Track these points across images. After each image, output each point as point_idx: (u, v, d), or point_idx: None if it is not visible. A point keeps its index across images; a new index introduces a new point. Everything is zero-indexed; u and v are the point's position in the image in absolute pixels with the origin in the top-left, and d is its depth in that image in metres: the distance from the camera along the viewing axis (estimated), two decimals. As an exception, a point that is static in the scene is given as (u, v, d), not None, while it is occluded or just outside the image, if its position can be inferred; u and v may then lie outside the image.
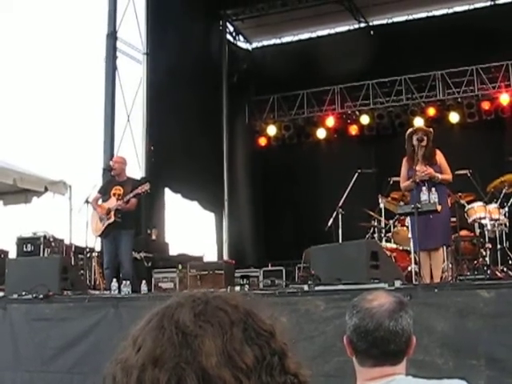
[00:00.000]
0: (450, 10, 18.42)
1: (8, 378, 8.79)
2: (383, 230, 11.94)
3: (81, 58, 17.05)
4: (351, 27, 19.70)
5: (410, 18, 18.98)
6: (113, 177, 11.47)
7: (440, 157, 9.51)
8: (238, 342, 1.25)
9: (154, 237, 15.09)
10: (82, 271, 12.17)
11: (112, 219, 10.85)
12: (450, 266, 10.10)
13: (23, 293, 9.10)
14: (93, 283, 12.40)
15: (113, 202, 10.96)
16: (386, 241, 11.61)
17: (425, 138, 9.40)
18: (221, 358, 1.22)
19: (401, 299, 2.77)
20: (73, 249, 13.12)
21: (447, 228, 9.44)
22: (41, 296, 8.91)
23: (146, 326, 1.31)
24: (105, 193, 11.25)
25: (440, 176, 9.26)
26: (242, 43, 21.06)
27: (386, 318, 2.64)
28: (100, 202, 11.24)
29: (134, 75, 16.29)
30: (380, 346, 2.64)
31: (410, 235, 9.78)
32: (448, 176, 9.44)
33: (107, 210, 10.91)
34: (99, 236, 11.31)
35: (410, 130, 9.87)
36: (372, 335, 2.64)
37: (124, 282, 9.88)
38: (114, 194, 11.07)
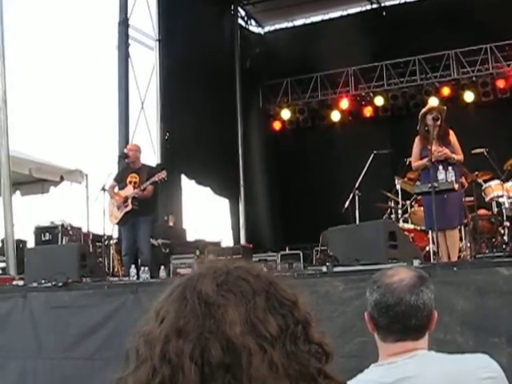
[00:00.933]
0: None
1: (30, 366, 8.84)
2: (400, 211, 11.90)
3: (93, 46, 17.02)
4: (363, 8, 19.60)
5: (423, -3, 18.84)
6: (128, 164, 11.48)
7: (453, 137, 9.44)
8: (262, 311, 1.25)
9: (171, 223, 15.12)
10: (100, 259, 12.21)
11: (129, 207, 10.86)
12: (469, 245, 10.06)
13: (42, 281, 9.13)
14: (111, 270, 12.44)
15: (129, 190, 10.97)
16: (404, 221, 11.57)
17: (439, 117, 9.34)
18: (244, 327, 1.22)
19: (421, 274, 2.75)
20: (90, 237, 13.17)
21: (461, 207, 9.38)
22: (60, 284, 8.93)
23: (168, 297, 1.30)
24: (120, 180, 11.26)
25: (456, 157, 9.20)
26: (253, 27, 21.03)
27: (406, 293, 2.63)
28: (116, 189, 11.26)
29: (146, 62, 16.32)
30: (401, 320, 2.63)
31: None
32: (461, 156, 9.38)
33: (124, 198, 10.92)
34: (117, 224, 11.34)
35: (424, 109, 9.80)
36: (393, 310, 2.63)
37: (142, 268, 9.91)
38: (130, 182, 11.08)
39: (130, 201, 10.85)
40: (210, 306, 1.24)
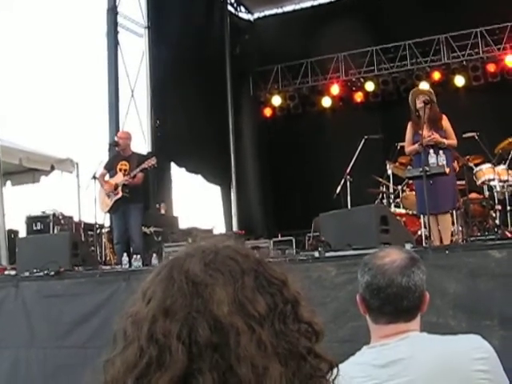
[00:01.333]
0: (453, -28, 18.20)
1: (22, 355, 8.83)
2: (392, 196, 11.92)
3: (82, 34, 16.98)
4: (353, -7, 19.51)
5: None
6: (118, 152, 11.45)
7: (446, 122, 9.44)
8: (250, 290, 1.24)
9: (162, 211, 15.11)
10: (92, 247, 12.20)
11: (120, 195, 10.85)
12: (460, 228, 10.08)
13: (34, 270, 9.12)
14: (103, 259, 12.43)
15: (120, 178, 10.95)
16: (395, 206, 11.58)
17: (429, 100, 9.33)
18: (232, 306, 1.21)
19: (413, 255, 2.74)
20: (82, 225, 13.14)
21: (453, 192, 9.39)
22: (52, 273, 8.92)
23: (156, 277, 1.29)
24: (110, 168, 11.24)
25: (446, 141, 9.20)
26: (243, 14, 20.92)
27: (397, 274, 2.62)
28: (107, 177, 11.23)
29: (136, 50, 16.24)
30: (393, 302, 2.62)
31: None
32: (453, 141, 9.38)
33: (114, 185, 10.90)
34: (108, 212, 11.32)
35: (412, 92, 9.81)
36: (384, 292, 2.62)
37: (135, 256, 9.90)
38: (121, 170, 11.05)
39: (120, 188, 10.83)
40: (198, 286, 1.23)
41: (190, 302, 1.21)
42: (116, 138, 11.58)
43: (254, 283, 1.25)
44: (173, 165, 16.67)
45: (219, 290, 1.22)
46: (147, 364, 1.21)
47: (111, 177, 11.10)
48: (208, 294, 1.21)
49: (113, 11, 15.24)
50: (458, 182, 10.03)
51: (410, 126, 9.53)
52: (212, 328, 1.19)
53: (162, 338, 1.20)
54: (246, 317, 1.20)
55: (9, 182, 14.21)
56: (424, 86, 16.20)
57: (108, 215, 12.07)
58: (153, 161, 10.96)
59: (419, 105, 9.31)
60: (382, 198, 12.07)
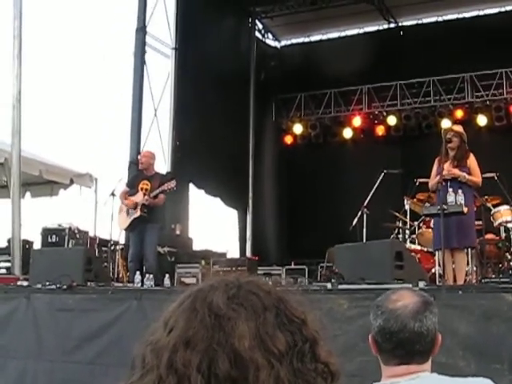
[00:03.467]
0: (481, 12, 18.27)
1: (30, 366, 8.83)
2: (408, 231, 11.87)
3: (110, 52, 17.10)
4: (381, 27, 19.64)
5: (440, 19, 18.86)
6: (141, 171, 11.49)
7: (472, 161, 9.38)
8: (271, 326, 1.25)
9: (178, 232, 15.12)
10: (105, 264, 12.21)
11: (138, 214, 10.86)
12: (475, 269, 10.03)
13: (47, 283, 9.14)
14: (116, 276, 12.44)
15: (140, 197, 10.96)
16: (411, 242, 11.53)
17: (454, 140, 9.31)
18: (253, 341, 1.22)
19: (425, 299, 2.74)
20: (97, 241, 13.17)
21: (472, 230, 9.32)
22: (64, 286, 8.93)
23: (178, 307, 1.30)
24: (132, 186, 11.27)
25: (467, 176, 9.16)
26: (270, 41, 21.08)
27: (410, 319, 2.61)
28: (127, 195, 11.27)
29: (162, 70, 16.36)
30: (405, 346, 2.62)
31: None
32: (476, 179, 9.32)
33: (134, 204, 10.92)
34: (125, 230, 11.35)
35: (444, 129, 9.82)
36: (397, 337, 2.62)
37: (147, 275, 9.90)
38: (142, 189, 11.07)
39: (139, 207, 10.85)
40: (220, 319, 1.24)
41: (211, 335, 1.22)
42: (139, 156, 11.62)
43: (275, 320, 1.26)
44: (191, 186, 16.70)
45: (241, 324, 1.23)
46: None
47: (132, 195, 11.12)
48: (230, 328, 1.22)
49: (142, 31, 15.37)
50: (476, 222, 9.99)
51: (437, 160, 9.50)
52: (232, 362, 1.20)
53: (181, 368, 1.21)
54: (266, 353, 1.21)
55: (28, 194, 14.28)
56: (446, 123, 16.22)
57: (124, 232, 12.09)
58: (172, 184, 10.96)
59: (444, 142, 9.32)
60: (398, 233, 12.03)
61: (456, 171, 9.14)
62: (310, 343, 1.28)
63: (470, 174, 9.25)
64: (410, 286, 7.16)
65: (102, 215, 12.95)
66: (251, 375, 1.19)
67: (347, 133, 18.86)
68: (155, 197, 10.84)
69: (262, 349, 1.21)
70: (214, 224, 18.12)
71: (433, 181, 9.48)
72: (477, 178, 9.32)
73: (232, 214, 18.85)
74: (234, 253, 17.10)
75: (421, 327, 2.61)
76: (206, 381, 1.19)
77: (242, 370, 1.19)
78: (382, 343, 2.67)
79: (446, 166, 9.19)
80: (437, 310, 2.73)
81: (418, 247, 11.24)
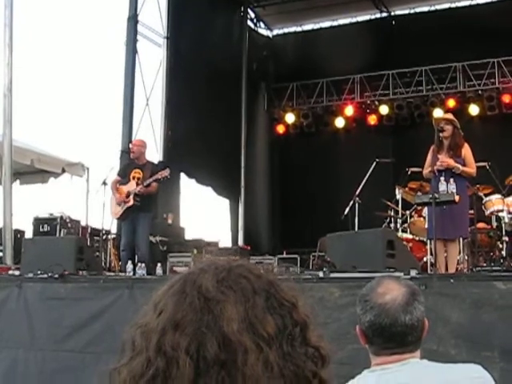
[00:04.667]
0: (473, 2, 18.26)
1: (21, 355, 8.83)
2: (399, 220, 11.89)
3: (101, 40, 17.07)
4: (373, 16, 19.60)
5: (433, 8, 18.83)
6: (132, 160, 11.47)
7: (466, 150, 9.38)
8: (260, 309, 1.24)
9: (169, 221, 15.11)
10: (97, 253, 12.21)
11: (131, 203, 10.85)
12: (466, 257, 10.05)
13: (39, 272, 9.13)
14: (108, 265, 12.44)
15: (132, 186, 10.95)
16: (403, 231, 11.56)
17: (447, 128, 9.29)
18: (242, 324, 1.21)
19: (412, 289, 2.72)
20: (89, 230, 13.16)
21: (465, 220, 9.34)
22: (56, 275, 8.92)
23: (168, 290, 1.30)
24: (124, 175, 11.25)
25: (461, 168, 9.15)
26: (262, 30, 21.02)
27: (400, 313, 2.61)
28: (119, 184, 11.25)
29: (153, 59, 16.32)
30: (397, 339, 2.63)
31: (426, 225, 9.72)
32: (470, 170, 9.31)
33: (127, 193, 10.90)
34: (118, 219, 11.33)
35: (434, 118, 9.81)
36: (389, 331, 2.62)
37: (139, 264, 9.90)
38: (134, 178, 11.05)
39: (131, 196, 10.83)
40: (209, 302, 1.24)
41: (200, 317, 1.22)
42: (130, 145, 11.59)
43: (265, 303, 1.26)
44: (182, 175, 16.68)
45: (230, 307, 1.23)
46: (153, 375, 1.22)
47: (123, 184, 11.10)
48: (219, 311, 1.22)
49: (133, 20, 15.33)
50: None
51: (431, 149, 9.48)
52: (221, 345, 1.19)
53: (170, 351, 1.21)
54: (255, 336, 1.21)
55: (17, 181, 14.24)
56: (438, 113, 16.22)
57: (115, 221, 12.08)
58: (166, 172, 10.94)
59: (437, 132, 9.31)
60: (390, 221, 12.05)
61: (450, 162, 9.14)
62: (300, 327, 1.28)
63: (464, 164, 9.24)
64: (402, 274, 7.18)
65: (93, 204, 12.94)
66: (240, 358, 1.19)
67: (339, 122, 18.86)
68: (148, 185, 10.83)
69: (250, 332, 1.21)
70: (205, 213, 18.12)
71: (427, 169, 9.47)
72: (471, 168, 9.32)
73: (224, 204, 18.85)
74: (226, 242, 17.15)
75: (411, 319, 2.61)
76: (195, 364, 1.19)
77: (230, 353, 1.19)
78: (372, 337, 2.68)
79: (441, 156, 9.20)
80: (423, 297, 2.73)
81: (410, 236, 11.26)
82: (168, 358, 1.21)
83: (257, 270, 1.33)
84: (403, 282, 2.81)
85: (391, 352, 2.65)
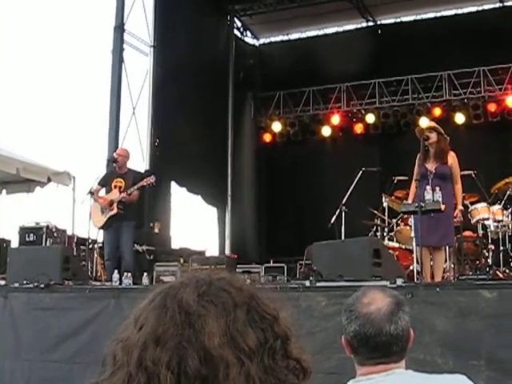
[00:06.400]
0: (459, 11, 18.34)
1: (8, 366, 8.79)
2: (386, 229, 11.92)
3: (88, 49, 17.05)
4: (359, 25, 19.65)
5: (419, 17, 18.91)
6: (114, 169, 11.45)
7: (453, 160, 9.36)
8: (241, 323, 1.24)
9: (156, 230, 15.08)
10: (83, 262, 12.16)
11: (115, 211, 10.82)
12: (452, 266, 10.08)
13: (24, 282, 9.09)
14: (94, 275, 12.40)
15: (115, 194, 10.93)
16: (389, 239, 11.58)
17: (432, 136, 9.29)
18: (223, 338, 1.21)
19: (397, 298, 2.73)
20: (75, 240, 13.12)
21: (451, 228, 9.36)
22: (42, 285, 8.89)
23: (149, 305, 1.30)
24: (105, 184, 11.24)
25: (461, 207, 9.20)
26: (249, 39, 21.05)
27: (385, 323, 2.61)
28: (101, 193, 11.23)
29: (140, 68, 16.30)
30: (382, 349, 2.63)
31: (412, 234, 9.74)
32: (458, 192, 9.29)
33: (109, 201, 10.88)
34: (101, 228, 11.27)
35: (416, 130, 9.78)
36: (373, 341, 2.62)
37: (125, 273, 9.86)
38: (116, 187, 11.04)
39: (115, 205, 10.81)
40: (190, 316, 1.23)
41: (181, 332, 1.22)
42: (115, 155, 11.55)
43: (246, 317, 1.26)
44: (173, 184, 16.66)
45: (211, 321, 1.22)
46: None
47: (106, 193, 11.08)
48: (200, 325, 1.22)
49: (120, 28, 15.31)
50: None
51: (417, 159, 9.44)
52: (202, 359, 1.19)
53: (151, 366, 1.20)
54: (237, 350, 1.21)
55: (4, 191, 14.18)
56: (424, 121, 16.27)
57: (101, 231, 12.04)
58: (152, 179, 10.94)
59: (422, 142, 9.30)
60: (376, 230, 12.07)
61: (458, 214, 9.13)
62: (281, 340, 1.28)
63: (450, 174, 9.24)
64: (388, 283, 7.18)
65: (79, 214, 12.88)
66: (221, 373, 1.19)
67: (326, 131, 18.87)
68: (131, 193, 10.82)
69: (232, 346, 1.21)
70: (193, 222, 18.09)
71: (414, 181, 9.39)
72: (457, 184, 9.32)
73: (212, 212, 18.83)
74: (213, 251, 17.11)
75: (396, 329, 2.61)
76: (176, 379, 1.19)
77: (211, 367, 1.19)
78: (357, 347, 2.67)
79: (429, 165, 9.23)
80: (408, 307, 2.73)
81: (396, 245, 11.28)
82: (149, 374, 1.20)
83: (238, 282, 1.33)
84: (388, 292, 2.81)
85: (376, 362, 2.65)
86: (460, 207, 9.17)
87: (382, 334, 2.60)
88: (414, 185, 9.29)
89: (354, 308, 2.69)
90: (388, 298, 2.69)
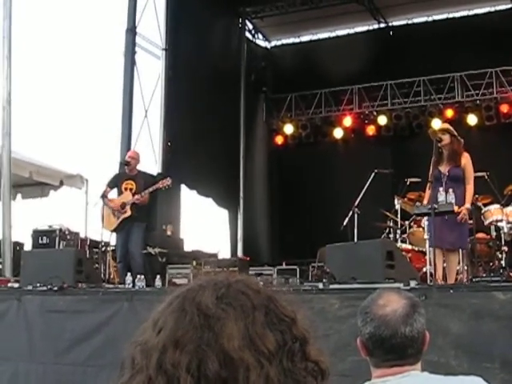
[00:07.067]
0: (471, 12, 18.28)
1: (22, 369, 8.81)
2: (399, 231, 11.88)
3: (100, 52, 17.09)
4: (371, 27, 19.63)
5: (430, 19, 18.85)
6: (123, 171, 11.47)
7: (467, 161, 9.30)
8: (260, 326, 1.24)
9: (169, 232, 15.08)
10: (96, 265, 12.19)
11: (128, 213, 10.83)
12: (466, 268, 10.04)
13: (38, 284, 9.12)
14: (107, 277, 12.41)
15: (127, 197, 10.93)
16: (402, 241, 11.54)
17: (445, 137, 9.27)
18: (243, 341, 1.21)
19: (412, 300, 2.73)
20: (88, 242, 13.15)
21: (465, 231, 9.32)
22: (55, 288, 8.91)
23: (167, 308, 1.30)
24: (114, 187, 11.25)
25: (468, 205, 9.08)
26: (260, 41, 21.06)
27: (401, 324, 2.62)
28: (110, 196, 11.23)
29: (152, 70, 16.33)
30: (398, 351, 2.63)
31: (426, 236, 9.71)
32: (469, 193, 9.21)
33: (122, 203, 10.89)
34: (113, 231, 11.28)
35: (430, 132, 9.75)
36: (389, 343, 2.62)
37: (138, 276, 9.87)
38: (126, 189, 11.05)
39: (128, 207, 10.82)
40: (209, 319, 1.23)
41: (200, 335, 1.22)
42: (128, 158, 11.54)
43: (265, 319, 1.26)
44: (183, 187, 16.68)
45: (230, 324, 1.22)
46: None
47: (118, 195, 11.10)
48: (219, 328, 1.22)
49: (132, 31, 15.34)
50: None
51: (432, 162, 9.41)
52: (222, 362, 1.19)
53: (170, 369, 1.20)
54: (256, 353, 1.21)
55: (19, 195, 14.24)
56: (436, 123, 16.24)
57: (114, 233, 12.06)
58: (168, 181, 10.97)
59: (435, 144, 9.27)
60: (389, 232, 12.03)
61: (464, 212, 9.03)
62: (299, 342, 1.28)
63: (463, 176, 9.20)
64: (402, 285, 7.17)
65: (92, 216, 12.91)
66: (241, 375, 1.19)
67: (338, 133, 18.87)
68: (146, 194, 10.83)
69: (251, 349, 1.21)
70: (205, 225, 18.10)
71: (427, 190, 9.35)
72: (469, 185, 9.24)
73: (223, 215, 18.84)
74: (225, 253, 17.12)
75: (411, 331, 2.61)
76: (196, 381, 1.19)
77: (231, 370, 1.19)
78: (373, 349, 2.67)
79: (443, 168, 9.20)
80: (424, 310, 2.73)
81: (409, 246, 11.25)
82: (169, 377, 1.20)
83: (256, 285, 1.33)
84: (403, 294, 2.81)
85: (391, 364, 2.64)
86: (467, 205, 9.06)
87: (397, 336, 2.60)
88: (428, 187, 9.27)
89: (370, 310, 2.69)
90: (403, 300, 2.70)
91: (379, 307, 2.67)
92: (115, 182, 11.34)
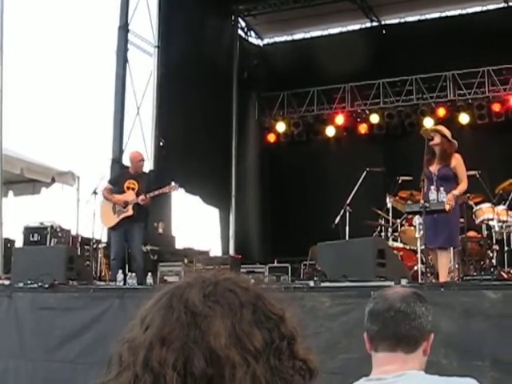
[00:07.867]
0: (463, 11, 18.32)
1: (12, 365, 8.80)
2: (390, 229, 11.90)
3: (92, 49, 17.02)
4: (363, 26, 19.63)
5: (423, 17, 18.88)
6: (127, 170, 11.45)
7: (457, 161, 9.26)
8: (247, 323, 1.24)
9: (160, 230, 15.08)
10: (87, 262, 12.17)
11: (130, 213, 10.82)
12: (457, 266, 10.06)
13: (29, 281, 9.10)
14: (98, 274, 12.40)
15: (131, 196, 10.91)
16: (393, 240, 11.56)
17: (436, 137, 9.28)
18: (229, 338, 1.21)
19: (417, 293, 2.81)
20: (79, 239, 13.12)
21: (456, 229, 9.32)
22: (46, 285, 8.90)
23: (155, 305, 1.29)
24: (116, 184, 11.22)
25: (456, 192, 9.02)
26: (253, 39, 21.05)
27: (397, 301, 2.69)
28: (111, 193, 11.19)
29: (144, 68, 16.30)
30: (390, 326, 2.64)
31: (417, 235, 9.72)
32: (463, 187, 9.19)
33: (124, 202, 10.87)
34: (111, 228, 11.26)
35: (423, 129, 9.77)
36: (383, 315, 2.67)
37: (130, 273, 9.87)
38: (129, 188, 11.03)
39: (130, 206, 10.81)
40: (196, 316, 1.23)
41: (187, 333, 1.21)
42: (135, 161, 11.40)
43: (252, 317, 1.25)
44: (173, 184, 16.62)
45: (217, 322, 1.22)
46: None
47: (118, 193, 11.06)
48: (206, 326, 1.21)
49: (124, 29, 15.32)
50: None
51: (424, 160, 9.38)
52: (208, 360, 1.19)
53: (157, 366, 1.20)
54: (243, 350, 1.20)
55: (11, 192, 14.19)
56: (428, 121, 16.28)
57: (105, 231, 12.04)
58: (175, 187, 11.07)
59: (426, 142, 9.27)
60: (381, 230, 12.05)
61: (450, 198, 8.98)
62: (287, 340, 1.27)
63: (454, 176, 9.18)
64: (393, 283, 7.17)
65: (84, 214, 12.88)
66: (227, 373, 1.18)
67: (330, 131, 18.87)
68: (152, 197, 10.83)
69: (238, 346, 1.20)
70: (196, 222, 18.08)
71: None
72: (463, 182, 9.21)
73: (214, 213, 18.81)
74: (217, 251, 17.11)
75: (407, 308, 2.66)
76: (182, 379, 1.18)
77: (218, 368, 1.19)
78: (370, 327, 2.72)
79: (433, 167, 9.19)
80: (430, 308, 2.75)
81: (401, 245, 11.28)
82: (155, 374, 1.20)
83: (244, 282, 1.32)
84: (414, 290, 2.90)
85: (386, 347, 2.65)
86: (454, 192, 8.97)
87: (392, 309, 2.66)
88: (422, 185, 9.27)
89: (377, 295, 2.80)
90: (410, 289, 2.84)
91: (384, 290, 2.83)
92: (118, 180, 11.34)
